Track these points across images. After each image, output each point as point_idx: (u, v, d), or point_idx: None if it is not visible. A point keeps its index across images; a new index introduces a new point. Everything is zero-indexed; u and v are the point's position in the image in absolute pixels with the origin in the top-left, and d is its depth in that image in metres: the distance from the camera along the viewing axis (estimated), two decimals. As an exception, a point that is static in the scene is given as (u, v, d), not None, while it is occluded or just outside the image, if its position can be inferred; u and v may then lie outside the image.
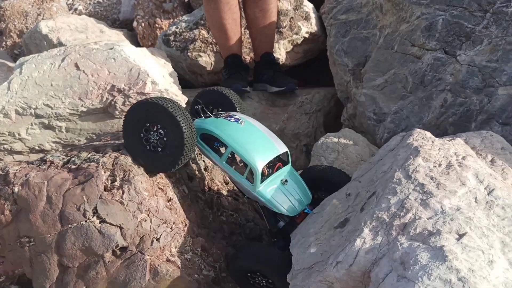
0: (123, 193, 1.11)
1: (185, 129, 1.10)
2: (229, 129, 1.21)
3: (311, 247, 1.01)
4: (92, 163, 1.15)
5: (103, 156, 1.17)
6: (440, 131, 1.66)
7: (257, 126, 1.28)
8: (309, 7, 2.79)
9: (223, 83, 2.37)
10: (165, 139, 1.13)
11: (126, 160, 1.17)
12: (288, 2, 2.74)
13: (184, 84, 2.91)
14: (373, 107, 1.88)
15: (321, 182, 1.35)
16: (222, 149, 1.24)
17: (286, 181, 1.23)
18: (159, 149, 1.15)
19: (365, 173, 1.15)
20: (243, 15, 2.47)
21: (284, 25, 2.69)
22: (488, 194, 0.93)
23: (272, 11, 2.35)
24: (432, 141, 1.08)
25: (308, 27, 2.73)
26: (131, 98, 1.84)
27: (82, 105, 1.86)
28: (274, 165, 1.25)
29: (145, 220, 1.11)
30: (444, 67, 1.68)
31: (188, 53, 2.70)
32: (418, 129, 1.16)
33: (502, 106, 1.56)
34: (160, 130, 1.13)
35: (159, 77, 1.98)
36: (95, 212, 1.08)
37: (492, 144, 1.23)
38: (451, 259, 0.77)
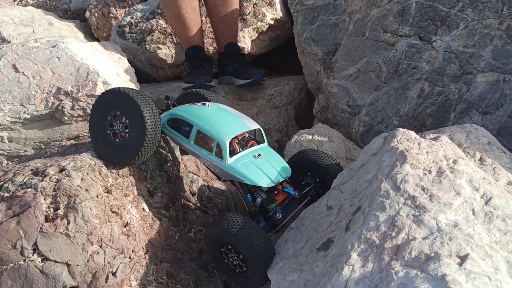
0: (68, 223, 0.94)
1: (148, 119, 1.08)
2: (194, 110, 1.21)
3: (291, 274, 0.88)
4: (29, 189, 0.97)
5: (43, 180, 0.99)
6: (418, 123, 1.57)
7: (226, 108, 1.28)
8: (273, -9, 2.63)
9: (185, 77, 2.19)
10: (129, 129, 1.11)
11: (70, 182, 0.99)
12: (250, -13, 2.56)
13: (146, 78, 2.71)
14: (346, 98, 1.77)
15: (307, 166, 1.31)
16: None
17: (259, 155, 1.19)
18: (123, 139, 1.12)
19: (346, 181, 1.03)
20: (203, 2, 2.28)
21: (248, 11, 2.52)
22: (486, 203, 0.83)
23: (233, -3, 2.17)
24: (419, 143, 0.97)
25: (273, 13, 2.58)
26: (81, 101, 1.64)
27: (24, 112, 1.65)
28: (246, 143, 1.23)
29: (97, 253, 0.95)
30: (420, 54, 1.58)
31: (146, 46, 2.48)
32: (402, 129, 1.04)
33: (481, 94, 1.48)
34: (125, 120, 1.11)
35: (112, 76, 1.78)
36: (35, 248, 0.91)
37: (478, 139, 1.13)
38: (455, 290, 0.66)
